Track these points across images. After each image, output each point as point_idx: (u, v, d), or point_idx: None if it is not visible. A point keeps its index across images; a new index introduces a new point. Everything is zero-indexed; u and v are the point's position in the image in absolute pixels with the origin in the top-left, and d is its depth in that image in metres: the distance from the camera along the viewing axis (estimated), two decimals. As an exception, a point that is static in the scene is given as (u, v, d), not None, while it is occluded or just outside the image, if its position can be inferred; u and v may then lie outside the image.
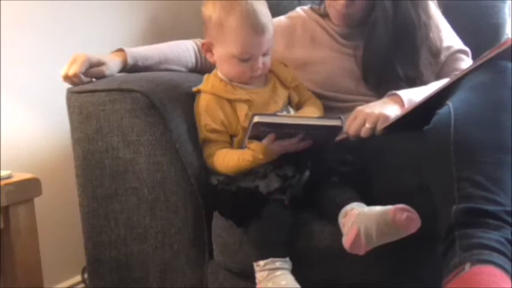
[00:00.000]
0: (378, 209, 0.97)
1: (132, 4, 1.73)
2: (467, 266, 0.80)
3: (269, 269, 1.00)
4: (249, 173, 1.11)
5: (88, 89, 1.19)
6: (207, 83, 1.22)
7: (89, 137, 1.18)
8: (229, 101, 1.20)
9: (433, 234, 0.91)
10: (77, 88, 1.20)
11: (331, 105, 1.33)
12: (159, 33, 1.79)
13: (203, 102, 1.20)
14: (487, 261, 0.79)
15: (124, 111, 1.16)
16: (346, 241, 0.99)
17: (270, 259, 1.01)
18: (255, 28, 1.15)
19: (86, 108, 1.18)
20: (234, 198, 1.09)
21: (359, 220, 0.97)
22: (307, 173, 1.09)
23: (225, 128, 1.19)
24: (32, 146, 1.46)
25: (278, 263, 1.00)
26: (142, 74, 1.27)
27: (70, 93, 1.20)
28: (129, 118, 1.16)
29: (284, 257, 1.02)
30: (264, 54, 1.19)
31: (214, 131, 1.19)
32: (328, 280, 1.08)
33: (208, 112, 1.19)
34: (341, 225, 1.02)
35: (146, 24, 1.78)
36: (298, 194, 1.08)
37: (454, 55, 1.38)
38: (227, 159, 1.15)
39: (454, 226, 0.86)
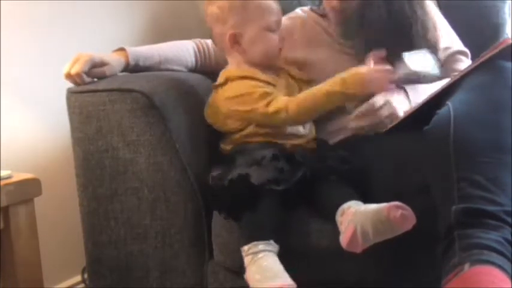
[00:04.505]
0: (373, 206, 0.98)
1: (132, 4, 1.73)
2: (466, 266, 0.80)
3: (252, 253, 1.01)
4: (242, 161, 1.12)
5: (88, 89, 1.19)
6: (233, 72, 1.24)
7: (89, 137, 1.18)
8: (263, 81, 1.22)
9: (433, 234, 0.91)
10: (77, 88, 1.20)
11: None
12: (159, 33, 1.78)
13: (236, 88, 1.21)
14: (487, 262, 0.79)
15: (124, 111, 1.16)
16: (343, 239, 0.99)
17: (253, 243, 1.01)
18: None
19: (86, 108, 1.18)
20: (227, 192, 1.09)
21: (356, 219, 0.97)
22: (302, 170, 1.09)
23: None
24: (32, 146, 1.46)
25: (261, 245, 1.01)
26: (142, 74, 1.27)
27: (70, 93, 1.20)
28: (129, 118, 1.16)
29: (267, 239, 1.02)
30: None
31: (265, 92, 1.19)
32: (327, 280, 1.08)
33: (246, 92, 1.19)
34: (339, 224, 1.02)
35: (146, 24, 1.78)
36: (291, 188, 1.07)
37: (453, 56, 1.38)
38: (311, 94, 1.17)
39: (454, 226, 0.86)
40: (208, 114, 1.26)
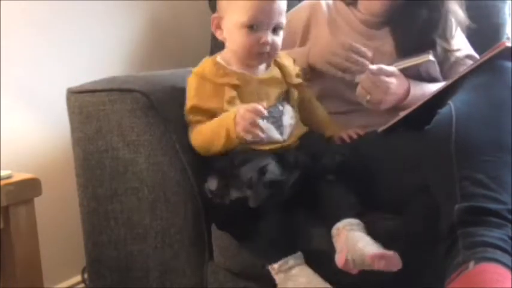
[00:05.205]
0: (360, 246, 0.97)
1: (132, 4, 1.73)
2: (471, 264, 0.80)
3: (284, 270, 1.00)
4: (236, 182, 1.06)
5: (88, 89, 1.19)
6: (202, 65, 1.17)
7: (89, 137, 1.18)
8: (220, 84, 1.13)
9: (434, 234, 0.91)
10: (77, 88, 1.20)
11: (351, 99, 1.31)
12: (159, 33, 1.79)
13: (191, 83, 1.15)
14: (491, 259, 0.80)
15: (124, 111, 1.16)
16: (339, 261, 0.99)
17: (282, 260, 1.01)
18: None
19: (86, 108, 1.18)
20: (228, 212, 1.07)
21: (347, 247, 0.98)
22: (296, 172, 1.07)
23: (210, 113, 1.13)
24: (32, 146, 1.46)
25: (291, 261, 1.01)
26: (142, 74, 1.27)
27: (70, 93, 1.20)
28: (129, 118, 1.16)
29: (294, 252, 1.01)
30: (274, 31, 1.13)
31: (199, 110, 1.13)
32: (327, 281, 1.08)
33: (194, 93, 1.13)
34: (334, 242, 1.02)
35: (146, 24, 1.78)
36: (288, 193, 1.05)
37: (463, 60, 1.36)
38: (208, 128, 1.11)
39: (457, 225, 0.86)
40: None
